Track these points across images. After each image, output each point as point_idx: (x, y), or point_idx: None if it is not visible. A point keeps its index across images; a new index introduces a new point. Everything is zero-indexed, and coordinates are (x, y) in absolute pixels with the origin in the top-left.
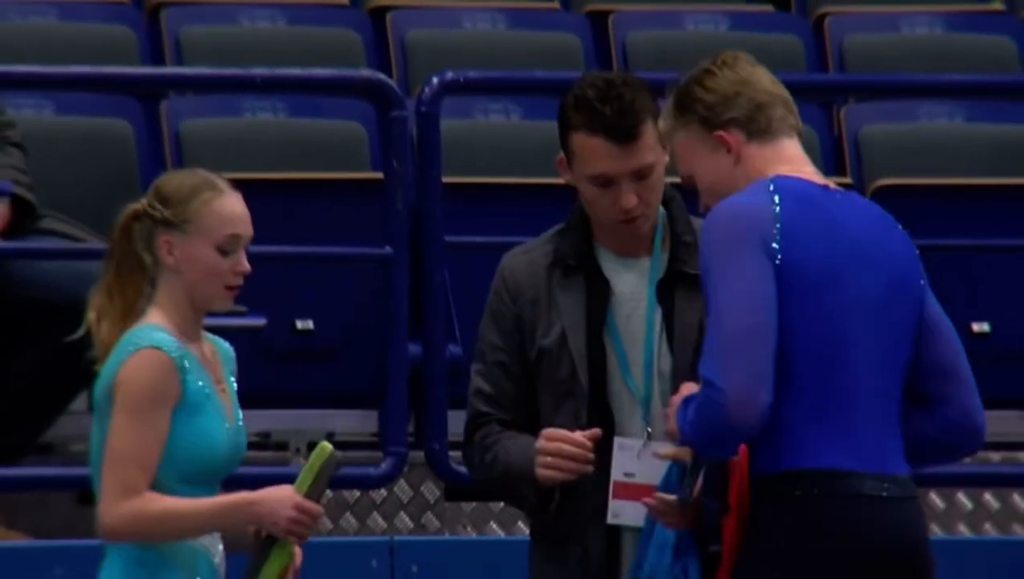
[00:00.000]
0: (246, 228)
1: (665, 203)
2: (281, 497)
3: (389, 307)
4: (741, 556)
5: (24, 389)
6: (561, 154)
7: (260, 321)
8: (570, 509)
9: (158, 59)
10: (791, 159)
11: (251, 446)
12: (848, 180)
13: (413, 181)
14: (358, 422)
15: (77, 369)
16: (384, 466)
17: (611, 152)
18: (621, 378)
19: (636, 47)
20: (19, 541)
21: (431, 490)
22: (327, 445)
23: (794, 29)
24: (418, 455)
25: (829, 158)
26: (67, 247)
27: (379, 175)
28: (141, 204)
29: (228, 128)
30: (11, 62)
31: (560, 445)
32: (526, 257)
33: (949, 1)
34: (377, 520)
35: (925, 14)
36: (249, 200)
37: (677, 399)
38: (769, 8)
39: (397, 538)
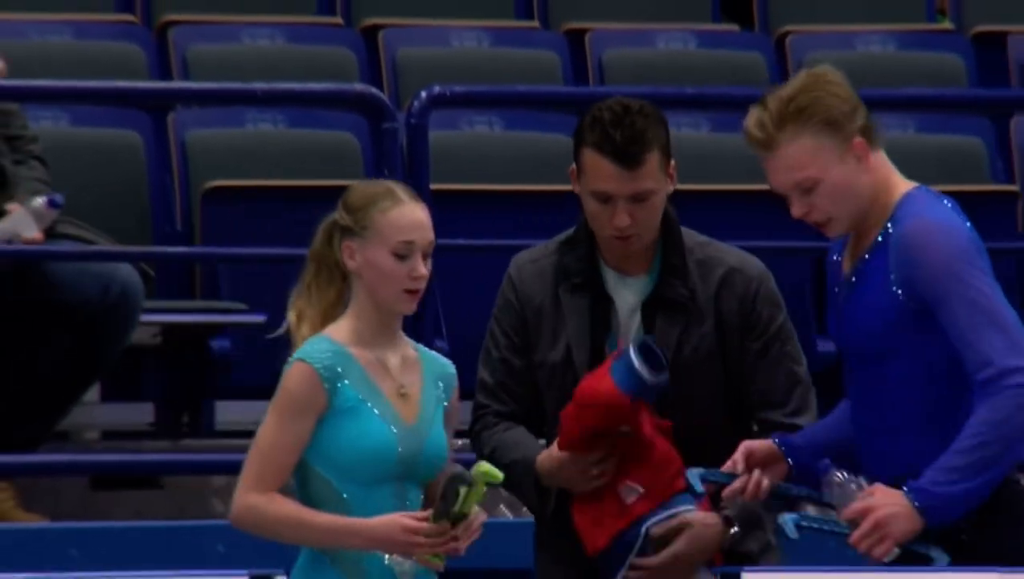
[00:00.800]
0: (421, 235)
1: (664, 224)
2: (388, 522)
3: None
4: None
5: (42, 383)
6: (573, 165)
7: (260, 318)
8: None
9: (166, 74)
10: (893, 168)
11: (250, 434)
12: None
13: None
14: None
15: (90, 364)
16: None
17: (615, 173)
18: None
19: (611, 63)
20: (36, 523)
21: None
22: (490, 471)
23: (758, 47)
24: None
25: None
26: (82, 249)
27: None
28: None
29: (231, 138)
30: (30, 77)
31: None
32: (535, 266)
33: (901, 21)
34: None
35: (879, 33)
36: (250, 206)
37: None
38: (735, 27)
39: None
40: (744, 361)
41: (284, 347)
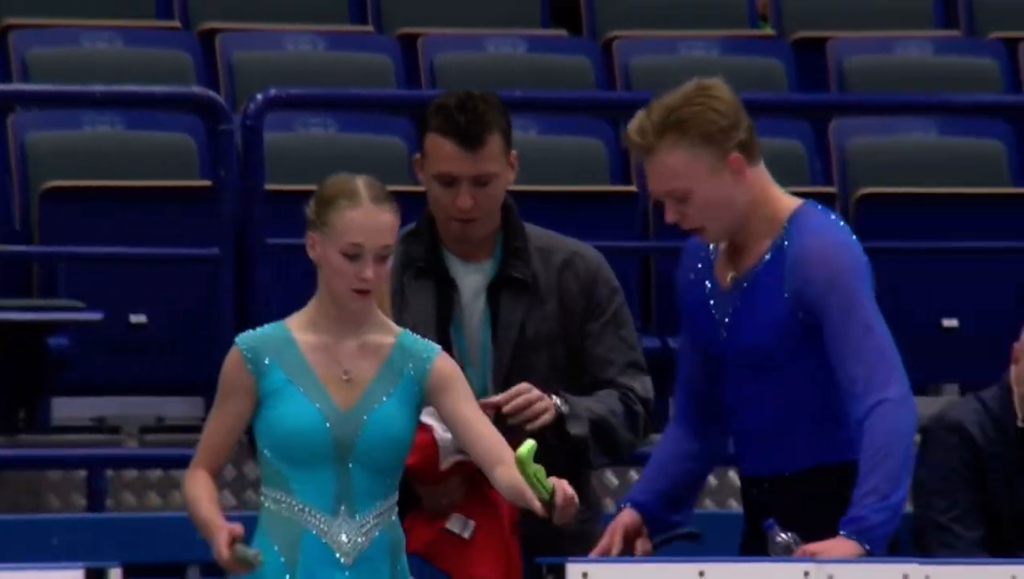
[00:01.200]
0: (371, 239)
1: (504, 212)
2: (217, 532)
3: (215, 303)
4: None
5: None
6: (418, 155)
7: (97, 316)
8: None
9: (5, 77)
10: (773, 182)
11: (86, 430)
12: (633, 188)
13: (239, 189)
14: (187, 407)
15: None
16: None
17: (457, 155)
18: (481, 373)
19: (443, 67)
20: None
21: (253, 469)
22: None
23: (585, 52)
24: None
25: (617, 170)
26: None
27: (208, 183)
28: None
29: (70, 140)
30: None
31: None
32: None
33: (724, 26)
34: None
35: (702, 38)
36: (88, 206)
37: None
38: (563, 33)
39: None
40: (584, 342)
41: (120, 344)
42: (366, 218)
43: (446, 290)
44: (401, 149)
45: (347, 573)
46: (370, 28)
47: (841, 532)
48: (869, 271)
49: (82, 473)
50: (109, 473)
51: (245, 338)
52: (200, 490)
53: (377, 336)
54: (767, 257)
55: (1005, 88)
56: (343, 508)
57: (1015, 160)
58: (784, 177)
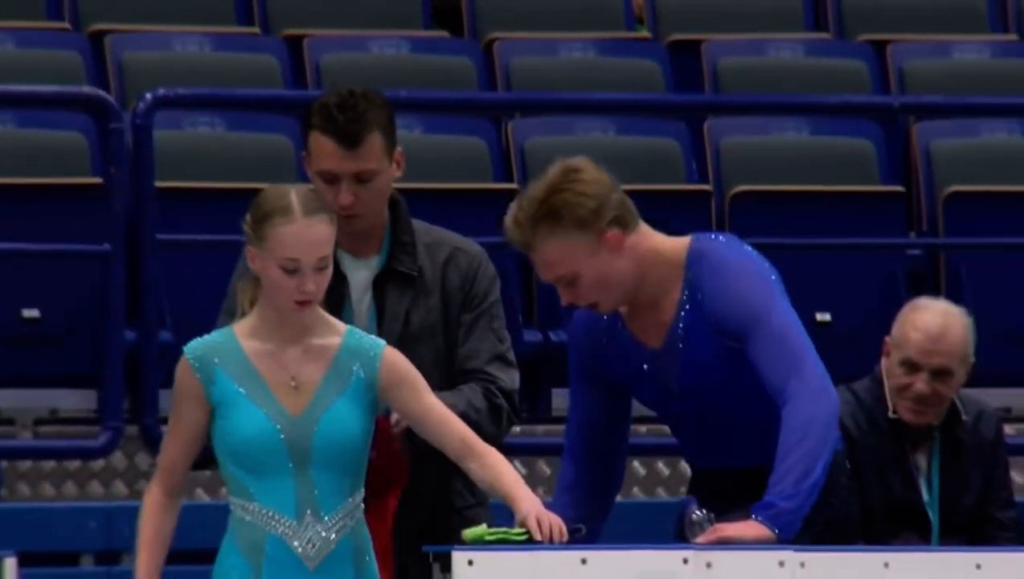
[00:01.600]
0: (308, 253)
1: (392, 208)
2: None
3: (107, 298)
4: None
5: None
6: (304, 152)
7: None
8: None
9: None
10: (658, 236)
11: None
12: (515, 186)
13: (129, 186)
14: (80, 400)
15: None
16: (102, 439)
17: (337, 153)
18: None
19: (328, 68)
20: None
21: (144, 460)
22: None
23: (467, 52)
24: (133, 429)
25: (498, 167)
26: None
27: (99, 180)
28: None
29: None
30: None
31: None
32: None
33: (601, 29)
34: (96, 487)
35: (580, 40)
36: None
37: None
38: (445, 34)
39: (113, 503)
40: (457, 331)
41: (13, 338)
42: (301, 233)
43: (336, 284)
44: (287, 147)
45: (312, 577)
46: (256, 29)
47: (753, 517)
48: (773, 273)
49: None
50: (3, 464)
51: (193, 347)
52: (146, 530)
53: (322, 339)
54: (685, 307)
55: (874, 89)
56: (308, 512)
57: (884, 159)
58: (661, 176)
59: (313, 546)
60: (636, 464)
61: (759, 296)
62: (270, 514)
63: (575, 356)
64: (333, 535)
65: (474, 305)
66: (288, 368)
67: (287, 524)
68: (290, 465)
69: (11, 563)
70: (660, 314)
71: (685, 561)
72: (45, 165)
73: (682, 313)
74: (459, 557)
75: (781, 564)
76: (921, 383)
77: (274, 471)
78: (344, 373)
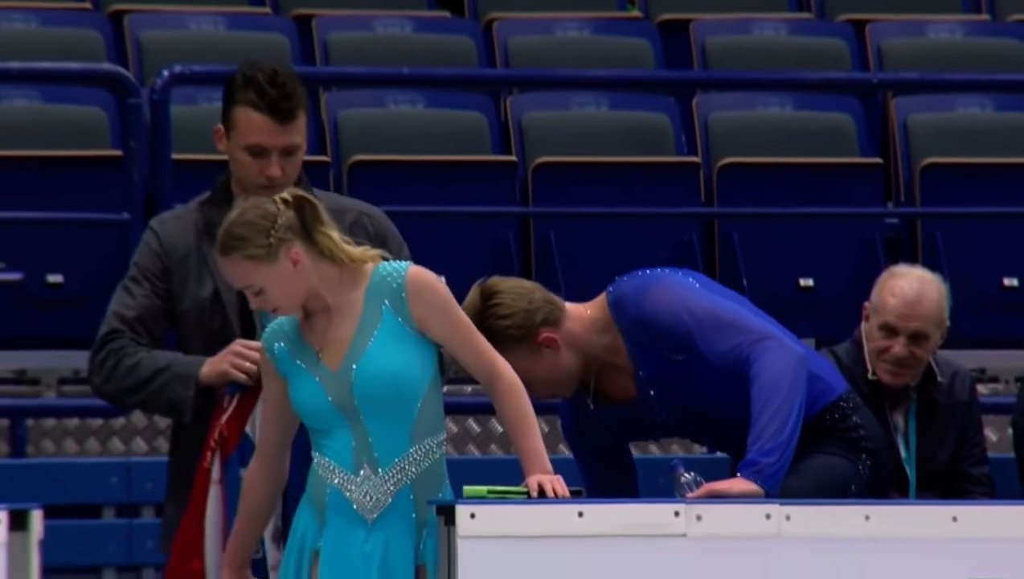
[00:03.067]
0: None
1: (298, 183)
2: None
3: (126, 263)
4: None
5: None
6: (219, 125)
7: (17, 276)
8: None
9: None
10: (578, 310)
11: (8, 381)
12: (513, 158)
13: (147, 158)
14: None
15: None
16: None
17: (270, 127)
18: (262, 327)
19: (335, 46)
20: None
21: (162, 418)
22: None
23: (468, 32)
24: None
25: (496, 141)
26: None
27: (118, 153)
28: None
29: None
30: None
31: (252, 353)
32: (179, 222)
33: (595, 9)
34: (116, 444)
35: (575, 19)
36: (8, 175)
37: None
38: (446, 14)
39: (133, 459)
40: None
41: (39, 302)
42: (223, 268)
43: None
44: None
45: (368, 530)
46: (267, 10)
47: (738, 474)
48: (688, 275)
49: (4, 422)
50: (29, 422)
51: (268, 333)
52: (240, 507)
53: (351, 292)
54: (635, 353)
55: (853, 66)
56: (365, 465)
57: (863, 132)
58: (652, 148)
59: (370, 499)
60: None
61: (676, 304)
62: (331, 466)
63: (570, 440)
64: (389, 489)
65: None
66: (327, 331)
67: (345, 476)
68: (345, 421)
69: (37, 515)
70: (620, 370)
71: (676, 514)
72: (68, 138)
73: (636, 360)
74: (462, 510)
75: (768, 517)
76: (898, 346)
77: (334, 428)
78: (373, 315)
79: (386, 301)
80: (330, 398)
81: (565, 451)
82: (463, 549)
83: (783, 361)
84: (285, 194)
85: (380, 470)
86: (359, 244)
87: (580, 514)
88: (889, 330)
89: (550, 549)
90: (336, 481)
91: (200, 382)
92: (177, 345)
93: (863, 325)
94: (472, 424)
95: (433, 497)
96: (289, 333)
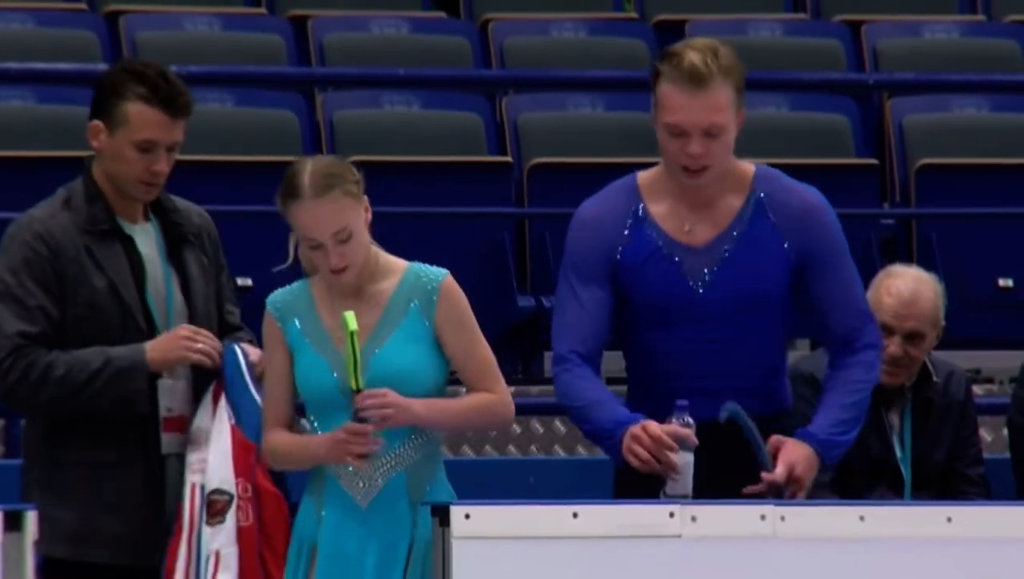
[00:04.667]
0: (319, 230)
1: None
2: (327, 436)
3: None
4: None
5: None
6: (96, 122)
7: None
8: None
9: None
10: None
11: None
12: (509, 159)
13: None
14: None
15: None
16: None
17: (163, 122)
18: (167, 321)
19: (331, 46)
20: None
21: None
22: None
23: (463, 32)
24: None
25: (492, 141)
26: None
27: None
28: None
29: None
30: None
31: (201, 335)
32: (55, 222)
33: (591, 9)
34: None
35: (571, 20)
36: (2, 176)
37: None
38: (442, 15)
39: None
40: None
41: None
42: (310, 215)
43: (134, 249)
44: (292, 122)
45: (362, 515)
46: (263, 10)
47: (807, 442)
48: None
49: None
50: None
51: (273, 298)
52: (278, 440)
53: (380, 283)
54: (749, 210)
55: (849, 67)
56: None
57: (859, 133)
58: (647, 149)
59: (362, 486)
60: None
61: (838, 231)
62: None
63: (586, 256)
64: (379, 477)
65: (224, 265)
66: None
67: (342, 465)
68: (347, 406)
69: (32, 515)
70: (716, 214)
71: (671, 515)
72: (63, 139)
73: (745, 216)
74: (456, 511)
75: (763, 517)
76: (894, 346)
77: (334, 410)
78: (399, 312)
79: (416, 301)
80: (339, 381)
81: (561, 452)
82: (457, 550)
83: (876, 378)
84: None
85: (377, 456)
86: (204, 252)
87: (575, 515)
88: (886, 330)
89: (544, 550)
90: (335, 469)
91: (151, 371)
92: (74, 345)
93: None
94: (536, 425)
95: (427, 483)
96: (302, 311)
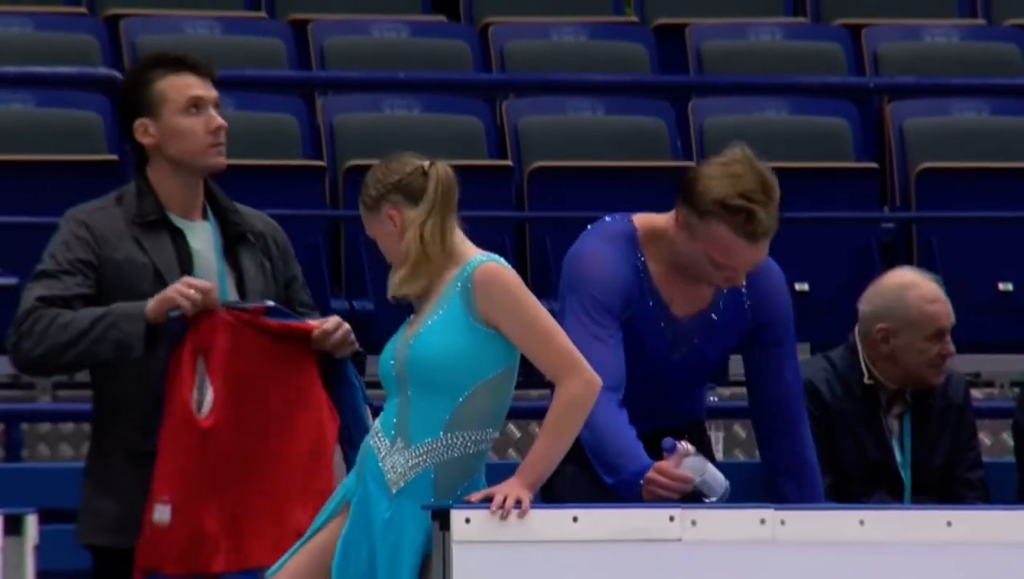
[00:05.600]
0: None
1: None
2: None
3: None
4: None
5: None
6: (138, 121)
7: (13, 280)
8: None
9: None
10: None
11: (3, 386)
12: (509, 163)
13: None
14: None
15: None
16: None
17: (199, 83)
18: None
19: (331, 50)
20: None
21: None
22: None
23: (463, 36)
24: None
25: (493, 145)
26: None
27: (114, 157)
28: None
29: None
30: None
31: (199, 284)
32: (104, 213)
33: (591, 13)
34: None
35: (571, 24)
36: (3, 180)
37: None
38: (442, 19)
39: None
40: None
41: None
42: None
43: (183, 240)
44: (293, 125)
45: (392, 500)
46: (263, 14)
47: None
48: None
49: (0, 426)
50: (24, 426)
51: None
52: None
53: (450, 271)
54: (724, 293)
55: (849, 71)
56: (400, 437)
57: (859, 137)
58: (648, 153)
59: (395, 470)
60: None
61: (790, 309)
62: (378, 429)
63: (606, 293)
64: (412, 465)
65: (287, 263)
66: (422, 303)
67: (382, 442)
68: (397, 390)
69: (32, 520)
70: (698, 292)
71: (671, 519)
72: (63, 142)
73: (722, 298)
74: (457, 515)
75: (762, 522)
76: (949, 344)
77: (392, 394)
78: (444, 300)
79: (458, 289)
80: (393, 362)
81: None
82: (458, 554)
83: None
84: (434, 163)
85: (411, 446)
86: (268, 256)
87: (575, 519)
88: (940, 334)
89: (545, 554)
90: (376, 444)
91: (147, 317)
92: None
93: (856, 331)
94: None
95: (456, 487)
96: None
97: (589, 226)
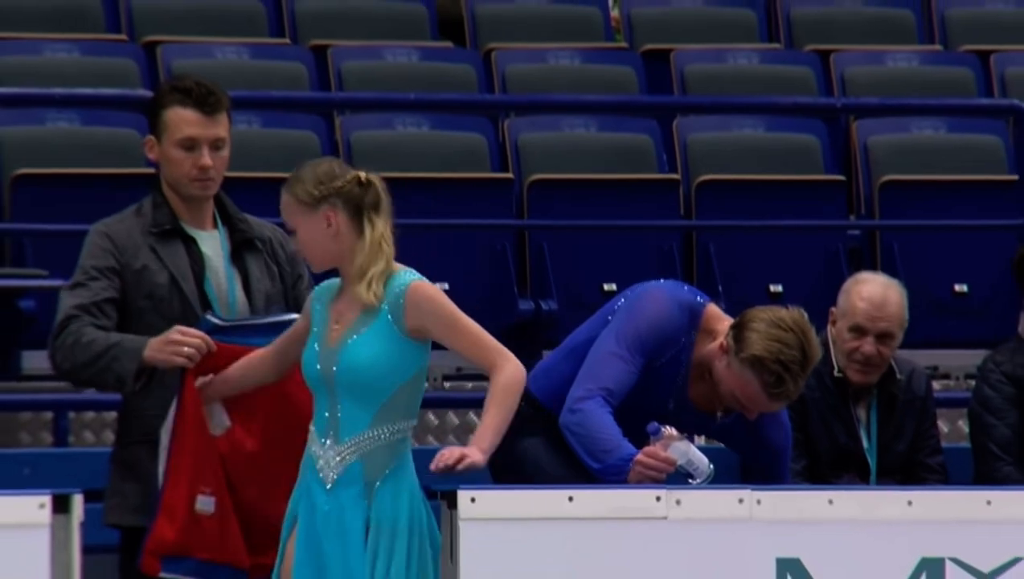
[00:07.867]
0: None
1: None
2: None
3: None
4: None
5: None
6: (148, 137)
7: (59, 282)
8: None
9: None
10: None
11: (52, 377)
12: (510, 175)
13: None
14: None
15: None
16: None
17: (198, 120)
18: (229, 315)
19: (348, 73)
20: None
21: None
22: None
23: (469, 61)
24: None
25: (495, 159)
26: None
27: (152, 171)
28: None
29: (35, 135)
30: None
31: (190, 338)
32: (122, 225)
33: (584, 39)
34: None
35: (567, 49)
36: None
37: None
38: (449, 44)
39: None
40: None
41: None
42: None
43: (195, 249)
44: (314, 141)
45: (328, 494)
46: (287, 40)
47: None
48: None
49: (49, 414)
50: (71, 414)
51: (325, 281)
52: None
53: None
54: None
55: (819, 92)
56: (331, 434)
57: (827, 152)
58: (636, 166)
59: (328, 466)
60: None
61: (789, 435)
62: (312, 433)
63: (652, 341)
64: (340, 460)
65: (291, 267)
66: (342, 310)
67: (318, 443)
68: (326, 391)
69: (78, 499)
70: (716, 396)
71: (658, 499)
72: (105, 157)
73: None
74: (463, 495)
75: (740, 501)
76: (868, 345)
77: (319, 396)
78: (375, 312)
79: (387, 304)
80: (319, 367)
81: None
82: (464, 530)
83: None
84: (365, 173)
85: (340, 442)
86: (275, 259)
87: (570, 498)
88: (859, 331)
89: (543, 530)
90: (313, 448)
91: (144, 360)
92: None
93: (830, 328)
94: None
95: (385, 469)
96: (327, 299)
97: (672, 281)
